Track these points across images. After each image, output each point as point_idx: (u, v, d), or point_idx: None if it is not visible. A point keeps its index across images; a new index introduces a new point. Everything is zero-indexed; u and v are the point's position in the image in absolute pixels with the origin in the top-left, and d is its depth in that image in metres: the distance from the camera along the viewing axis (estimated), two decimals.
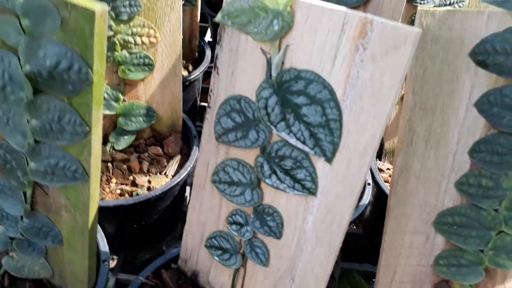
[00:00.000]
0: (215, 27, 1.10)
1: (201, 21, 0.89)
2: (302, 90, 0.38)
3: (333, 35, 0.35)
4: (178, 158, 0.69)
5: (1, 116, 0.40)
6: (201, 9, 0.88)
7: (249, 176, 0.44)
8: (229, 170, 0.45)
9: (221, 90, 0.44)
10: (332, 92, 0.36)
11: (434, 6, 0.65)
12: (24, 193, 0.44)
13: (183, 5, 0.86)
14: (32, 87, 0.37)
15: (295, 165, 0.40)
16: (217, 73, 0.44)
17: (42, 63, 0.35)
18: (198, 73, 0.85)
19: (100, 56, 0.35)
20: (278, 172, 0.41)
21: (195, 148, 0.69)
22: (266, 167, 0.42)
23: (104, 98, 0.69)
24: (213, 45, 1.14)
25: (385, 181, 0.68)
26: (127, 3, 0.64)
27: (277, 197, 0.42)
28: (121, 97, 0.69)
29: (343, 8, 0.35)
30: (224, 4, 0.41)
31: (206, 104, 1.05)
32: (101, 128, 0.39)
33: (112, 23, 0.65)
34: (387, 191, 0.65)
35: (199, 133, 0.97)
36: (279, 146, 0.41)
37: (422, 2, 0.65)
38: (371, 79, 0.34)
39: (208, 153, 0.47)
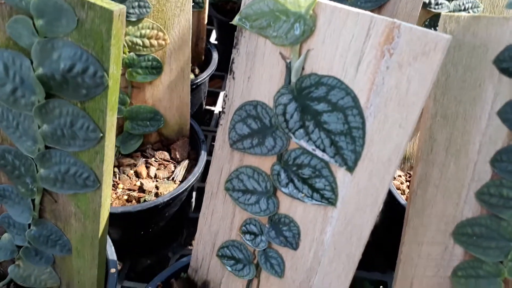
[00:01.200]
0: (221, 29, 1.09)
1: (207, 23, 0.88)
2: (323, 96, 0.37)
3: (358, 40, 0.34)
4: (185, 163, 0.68)
5: (10, 120, 0.39)
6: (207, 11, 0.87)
7: (264, 184, 0.42)
8: (244, 177, 0.44)
9: (236, 95, 0.43)
10: (355, 99, 0.35)
11: (449, 11, 0.64)
12: (33, 201, 0.43)
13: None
14: (44, 90, 0.36)
15: (314, 174, 0.39)
16: (233, 78, 0.43)
17: (56, 66, 0.34)
18: (205, 76, 0.83)
19: (116, 59, 0.34)
20: (296, 180, 0.40)
21: (202, 153, 0.68)
22: (283, 175, 0.41)
23: None
24: (219, 47, 1.13)
25: (397, 188, 0.67)
26: (136, 4, 0.63)
27: (294, 206, 0.41)
28: (128, 100, 0.68)
29: (368, 13, 0.34)
30: (242, 7, 0.40)
31: (211, 108, 1.04)
32: (114, 134, 0.38)
33: None
34: (399, 198, 0.64)
35: (205, 137, 0.96)
36: (297, 154, 0.39)
37: (437, 7, 0.64)
38: (397, 86, 0.33)
39: (222, 160, 0.45)
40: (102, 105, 0.35)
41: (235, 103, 0.43)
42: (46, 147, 0.39)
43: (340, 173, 0.37)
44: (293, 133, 0.39)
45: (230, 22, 0.98)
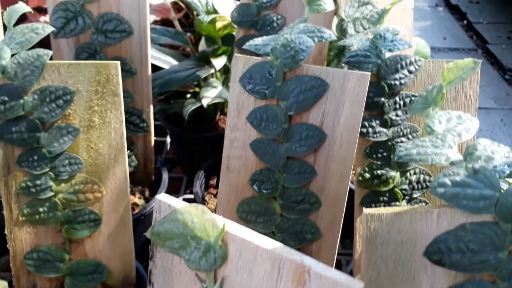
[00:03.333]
0: (173, 136, 1.07)
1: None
2: None
3: (270, 277, 0.32)
4: None
5: None
6: (158, 121, 0.85)
7: None
8: None
9: None
10: None
11: (388, 139, 0.63)
12: None
13: (135, 131, 0.83)
14: None
15: None
16: None
17: None
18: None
19: None
20: None
21: None
22: None
23: (48, 260, 0.64)
24: (173, 148, 1.11)
25: None
26: (67, 162, 0.61)
27: None
28: (67, 256, 0.64)
29: (278, 247, 0.31)
30: (153, 221, 0.37)
31: None
32: None
33: (52, 183, 0.61)
34: None
35: None
36: None
37: (375, 135, 0.63)
38: None
39: None
40: None
41: None
42: None
43: None
44: None
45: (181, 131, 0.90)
